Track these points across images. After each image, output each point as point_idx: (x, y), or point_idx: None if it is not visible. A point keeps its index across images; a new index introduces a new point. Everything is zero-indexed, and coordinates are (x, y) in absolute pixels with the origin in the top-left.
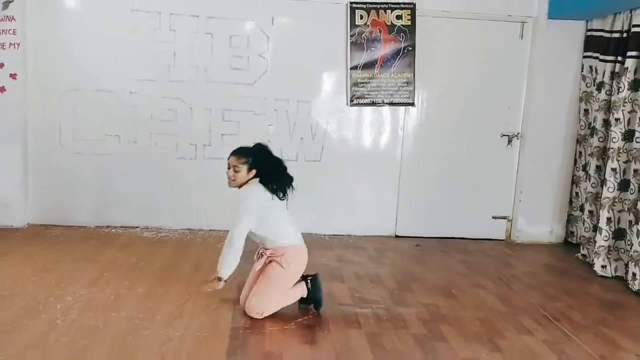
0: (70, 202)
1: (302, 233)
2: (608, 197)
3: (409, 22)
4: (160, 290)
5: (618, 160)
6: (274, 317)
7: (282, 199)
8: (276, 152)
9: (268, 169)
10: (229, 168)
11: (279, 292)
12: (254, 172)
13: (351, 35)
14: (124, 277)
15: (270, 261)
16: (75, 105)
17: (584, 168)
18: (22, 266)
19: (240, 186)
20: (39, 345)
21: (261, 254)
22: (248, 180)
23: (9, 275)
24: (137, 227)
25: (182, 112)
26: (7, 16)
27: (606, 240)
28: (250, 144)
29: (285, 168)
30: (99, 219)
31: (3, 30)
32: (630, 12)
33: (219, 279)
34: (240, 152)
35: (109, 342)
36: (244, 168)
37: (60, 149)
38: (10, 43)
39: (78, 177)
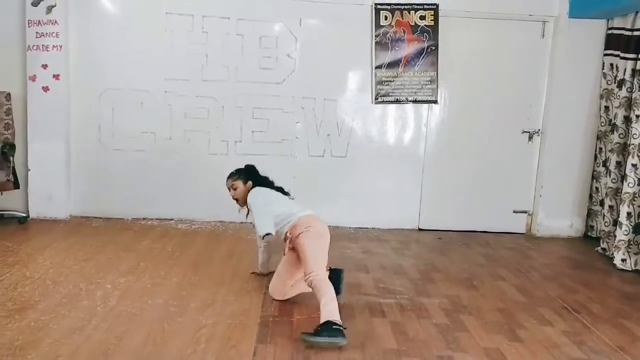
0: (109, 195)
1: (328, 226)
2: (628, 192)
3: (432, 22)
4: (193, 279)
5: (638, 156)
6: (301, 306)
7: (286, 194)
8: (304, 148)
9: (260, 179)
10: (229, 192)
11: (316, 253)
12: (250, 183)
13: (376, 36)
14: (159, 267)
15: (292, 247)
16: (113, 104)
17: (604, 164)
18: (64, 256)
19: (245, 202)
20: (80, 331)
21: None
22: (248, 192)
23: (52, 264)
24: (172, 219)
25: (214, 110)
26: (50, 20)
27: (626, 235)
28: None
29: (273, 182)
30: (135, 211)
31: (47, 33)
32: None
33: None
34: (232, 174)
35: (145, 328)
36: (239, 183)
37: (100, 146)
38: (53, 45)
39: (116, 172)
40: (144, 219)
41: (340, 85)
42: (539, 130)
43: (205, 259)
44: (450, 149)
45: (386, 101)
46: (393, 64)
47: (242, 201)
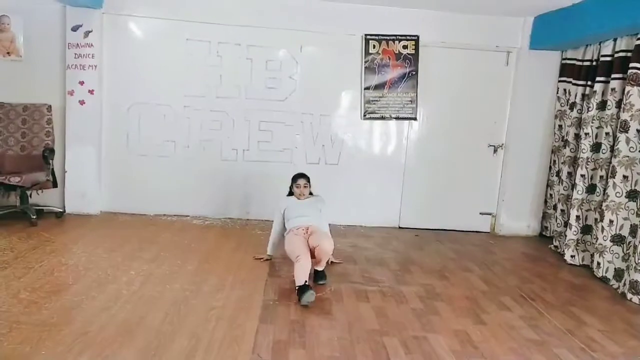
0: (135, 194)
1: None
2: (577, 199)
3: (413, 51)
4: (206, 267)
5: (586, 168)
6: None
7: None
8: (302, 157)
9: None
10: (299, 187)
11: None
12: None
13: (365, 61)
14: (177, 256)
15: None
16: (139, 116)
17: (558, 174)
18: (94, 246)
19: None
20: (107, 310)
21: (304, 232)
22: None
23: (84, 253)
24: (188, 216)
25: (226, 123)
26: (87, 43)
27: (575, 235)
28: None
29: None
30: (157, 208)
31: (83, 55)
32: (599, 45)
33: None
34: (307, 177)
35: (164, 309)
36: (309, 185)
37: (127, 151)
38: (89, 65)
39: (141, 174)
40: (164, 215)
41: (334, 103)
42: (503, 144)
43: (216, 250)
44: (427, 159)
45: (373, 117)
46: (379, 86)
47: (305, 197)
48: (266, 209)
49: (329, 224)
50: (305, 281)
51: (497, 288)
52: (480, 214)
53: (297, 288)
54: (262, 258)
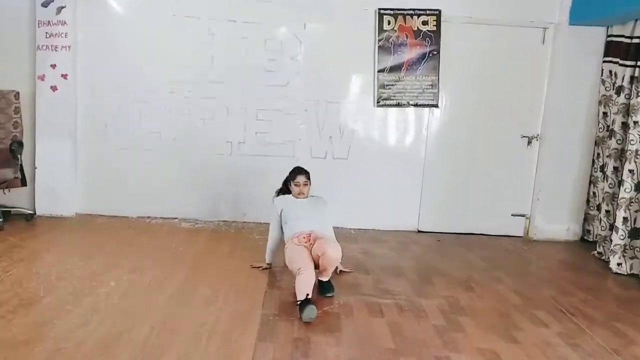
0: (115, 193)
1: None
2: (625, 198)
3: (435, 28)
4: (196, 277)
5: (636, 162)
6: None
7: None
8: (306, 150)
9: None
10: (299, 185)
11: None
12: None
13: (379, 40)
14: (163, 264)
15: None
16: (120, 103)
17: (602, 169)
18: (69, 252)
19: (304, 197)
20: (85, 326)
21: (305, 240)
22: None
23: (58, 260)
24: (176, 218)
25: (219, 112)
26: (59, 21)
27: (622, 239)
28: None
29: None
30: (140, 210)
31: (56, 34)
32: None
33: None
34: (307, 172)
35: (148, 324)
36: (309, 183)
37: (106, 144)
38: (62, 46)
39: (122, 171)
40: (148, 217)
41: (343, 88)
42: (538, 135)
43: (207, 257)
44: (450, 152)
45: (388, 104)
46: (395, 68)
47: (304, 196)
48: (265, 210)
49: (334, 228)
50: (307, 295)
51: (531, 301)
52: (512, 215)
53: (298, 303)
54: (260, 266)
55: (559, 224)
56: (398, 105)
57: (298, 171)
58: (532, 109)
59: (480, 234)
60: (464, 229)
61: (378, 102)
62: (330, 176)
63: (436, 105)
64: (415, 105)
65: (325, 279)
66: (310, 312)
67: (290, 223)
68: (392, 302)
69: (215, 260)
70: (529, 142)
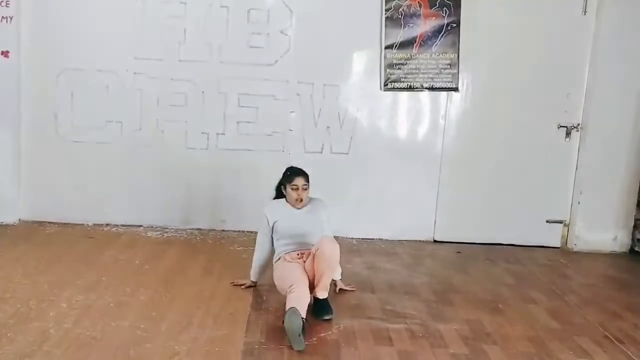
0: (67, 196)
1: None
2: None
3: None
4: (165, 298)
5: None
6: None
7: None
8: (299, 143)
9: None
10: (297, 189)
11: None
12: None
13: (386, 10)
14: (125, 282)
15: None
16: (73, 87)
17: None
18: (12, 268)
19: (302, 205)
20: (29, 357)
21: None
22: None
23: None
24: (141, 226)
25: (193, 97)
26: None
27: None
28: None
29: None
30: (98, 216)
31: None
32: None
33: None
34: (306, 174)
35: (107, 355)
36: (308, 186)
37: (57, 137)
38: (3, 16)
39: (76, 169)
40: (107, 225)
41: (344, 68)
42: (579, 124)
43: (179, 274)
44: (473, 145)
45: (397, 88)
46: (406, 44)
47: (303, 204)
48: (249, 216)
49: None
50: (294, 309)
51: (571, 325)
52: (547, 222)
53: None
54: (243, 284)
55: (604, 232)
56: (409, 88)
57: (297, 172)
58: (572, 93)
59: (509, 245)
60: (490, 239)
61: (385, 84)
62: (328, 174)
63: (456, 89)
64: (431, 88)
65: (321, 295)
66: (294, 321)
67: (283, 240)
68: (402, 327)
69: (188, 278)
70: (568, 133)
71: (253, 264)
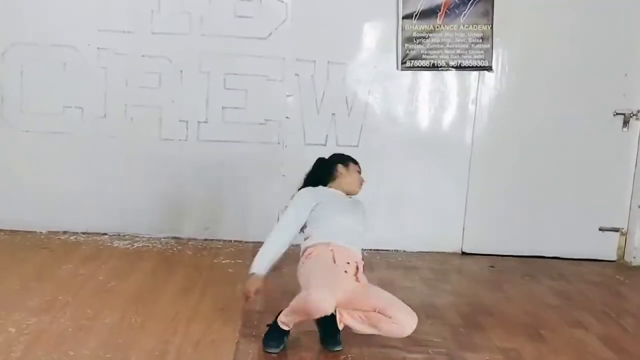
0: (15, 198)
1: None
2: None
3: None
4: (135, 321)
5: None
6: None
7: None
8: (298, 133)
9: None
10: (352, 172)
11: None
12: None
13: None
14: (87, 302)
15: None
16: (23, 65)
17: None
18: None
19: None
20: None
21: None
22: None
23: None
24: (106, 234)
25: (169, 77)
26: None
27: None
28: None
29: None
30: (53, 222)
31: None
32: None
33: None
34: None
35: None
36: None
37: (3, 125)
38: None
39: (26, 164)
40: (64, 233)
41: (352, 42)
42: (639, 112)
43: (152, 292)
44: (509, 137)
45: (418, 67)
46: (428, 13)
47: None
48: (236, 222)
49: None
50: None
51: (629, 356)
52: (600, 230)
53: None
54: (249, 295)
55: None
56: (433, 67)
57: (350, 158)
58: (631, 73)
59: (554, 258)
60: (529, 251)
61: (404, 62)
62: None
63: (489, 68)
64: (459, 67)
65: (342, 326)
66: (274, 344)
67: (325, 224)
68: (423, 357)
69: (163, 297)
70: (626, 122)
71: (263, 254)
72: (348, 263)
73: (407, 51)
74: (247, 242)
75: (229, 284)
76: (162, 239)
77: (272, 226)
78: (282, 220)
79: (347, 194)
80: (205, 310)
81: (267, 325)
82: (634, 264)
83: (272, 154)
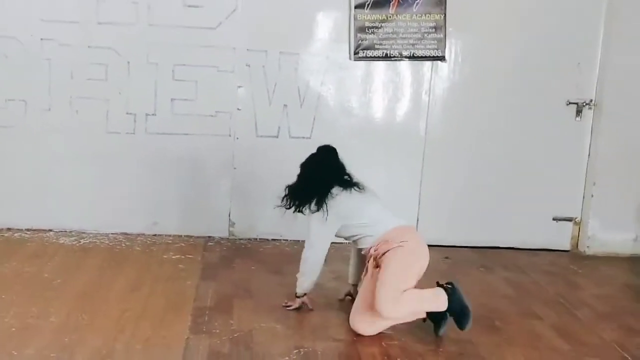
0: None
1: (274, 237)
2: None
3: None
4: (82, 320)
5: None
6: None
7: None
8: (249, 125)
9: None
10: None
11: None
12: None
13: None
14: (32, 300)
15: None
16: None
17: None
18: None
19: None
20: None
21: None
22: None
23: None
24: (51, 231)
25: (116, 68)
26: None
27: None
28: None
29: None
30: None
31: None
32: None
33: None
34: None
35: None
36: None
37: None
38: None
39: None
40: (8, 229)
41: (304, 32)
42: (592, 101)
43: (100, 289)
44: (463, 128)
45: (371, 57)
46: (381, 3)
47: None
48: (188, 216)
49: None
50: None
51: (583, 346)
52: (554, 220)
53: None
54: (290, 305)
55: (622, 231)
56: (386, 57)
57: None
58: (584, 62)
59: (508, 248)
60: (484, 242)
61: (356, 53)
62: (287, 164)
63: (442, 58)
64: (412, 57)
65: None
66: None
67: (368, 221)
68: (376, 350)
69: (111, 295)
70: (579, 112)
71: (305, 277)
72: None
73: (360, 41)
74: (198, 237)
75: (179, 280)
76: (110, 235)
77: (224, 220)
78: (315, 241)
79: None
80: (155, 307)
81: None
82: (587, 253)
83: (223, 147)
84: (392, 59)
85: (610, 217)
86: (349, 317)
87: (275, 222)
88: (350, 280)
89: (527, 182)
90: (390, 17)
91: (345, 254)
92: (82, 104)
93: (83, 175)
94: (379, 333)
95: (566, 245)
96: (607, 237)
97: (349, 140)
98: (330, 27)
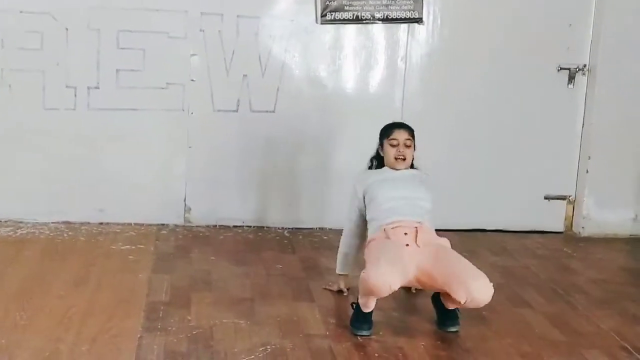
0: None
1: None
2: None
3: None
4: (20, 318)
5: None
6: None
7: None
8: (205, 99)
9: None
10: (396, 144)
11: None
12: None
13: None
14: None
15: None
16: None
17: None
18: None
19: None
20: None
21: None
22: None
23: None
24: None
25: (53, 36)
26: None
27: None
28: None
29: None
30: None
31: None
32: None
33: None
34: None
35: None
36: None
37: None
38: None
39: None
40: None
41: None
42: (585, 66)
43: (40, 284)
44: (443, 98)
45: (340, 19)
46: None
47: (406, 164)
48: (138, 201)
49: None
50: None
51: (578, 335)
52: (545, 199)
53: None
54: (331, 288)
55: (620, 209)
56: (357, 20)
57: (395, 125)
58: (575, 23)
59: (496, 230)
60: (470, 224)
61: (323, 15)
62: (248, 140)
63: (419, 20)
64: (385, 19)
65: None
66: (366, 326)
67: (374, 208)
68: (352, 344)
69: (53, 290)
70: (571, 78)
71: (340, 254)
72: (406, 234)
73: (328, 2)
74: (149, 224)
75: (130, 273)
76: (50, 224)
77: (179, 206)
78: (345, 215)
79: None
80: (103, 303)
81: (352, 305)
82: (582, 235)
83: (176, 123)
84: (364, 21)
85: (607, 194)
86: (319, 309)
87: (237, 206)
88: (345, 271)
89: (515, 157)
90: None
91: (315, 240)
92: (15, 77)
93: (17, 157)
94: (336, 323)
95: (559, 227)
96: (604, 216)
97: (317, 113)
98: None
